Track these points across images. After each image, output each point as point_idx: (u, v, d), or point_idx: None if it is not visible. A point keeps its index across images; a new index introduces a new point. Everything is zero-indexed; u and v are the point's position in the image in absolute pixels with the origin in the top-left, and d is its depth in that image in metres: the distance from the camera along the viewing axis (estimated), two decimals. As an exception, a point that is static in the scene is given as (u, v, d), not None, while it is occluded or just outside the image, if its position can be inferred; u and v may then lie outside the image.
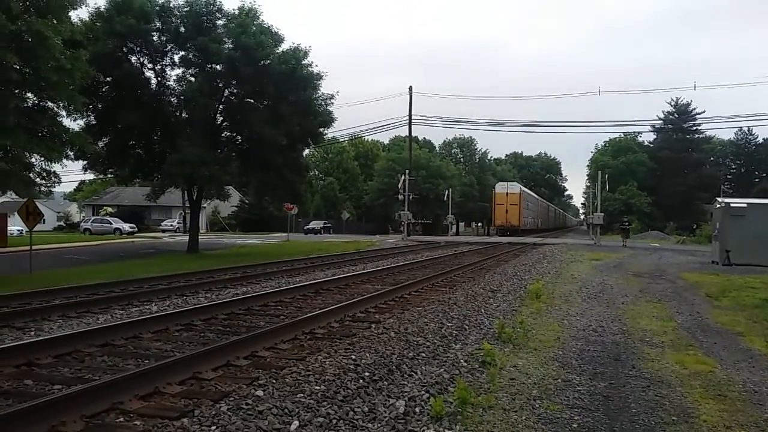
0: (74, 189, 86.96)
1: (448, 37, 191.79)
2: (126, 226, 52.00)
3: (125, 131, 25.92)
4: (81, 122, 23.99)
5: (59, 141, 18.90)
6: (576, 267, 21.50)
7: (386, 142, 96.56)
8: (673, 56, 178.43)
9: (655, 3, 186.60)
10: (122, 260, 23.26)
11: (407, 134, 56.28)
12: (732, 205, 24.57)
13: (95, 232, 50.07)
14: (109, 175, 31.60)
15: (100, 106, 25.28)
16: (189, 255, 26.51)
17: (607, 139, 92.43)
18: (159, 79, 26.67)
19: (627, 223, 43.56)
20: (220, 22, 26.20)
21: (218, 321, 9.51)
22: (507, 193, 57.03)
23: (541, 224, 71.70)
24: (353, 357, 6.67)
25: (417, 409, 5.35)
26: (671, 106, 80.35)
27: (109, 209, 63.04)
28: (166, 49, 26.19)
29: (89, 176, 49.79)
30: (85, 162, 25.58)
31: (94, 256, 25.27)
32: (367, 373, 6.13)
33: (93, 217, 58.42)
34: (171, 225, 59.99)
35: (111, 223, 52.89)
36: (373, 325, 8.87)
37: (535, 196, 75.49)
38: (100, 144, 25.62)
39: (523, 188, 63.89)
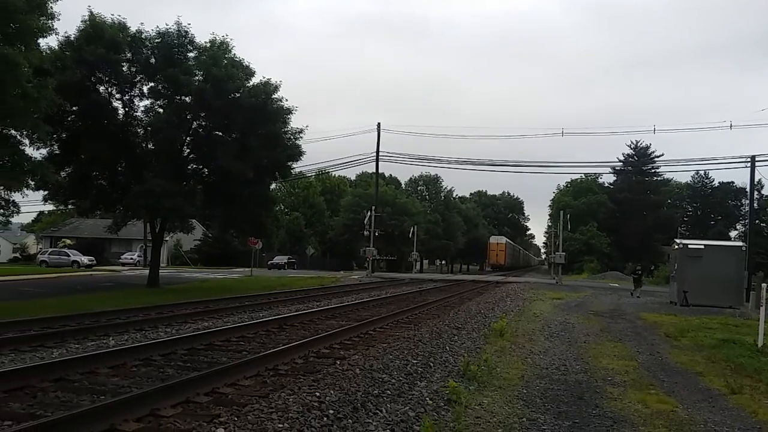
0: (32, 220, 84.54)
1: (414, 75, 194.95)
2: (84, 259, 50.62)
3: (89, 161, 25.45)
4: (44, 151, 23.51)
5: (20, 170, 18.49)
6: (538, 306, 21.67)
7: (353, 178, 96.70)
8: (633, 100, 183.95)
9: (609, 51, 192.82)
10: (79, 293, 22.66)
11: (374, 170, 56.69)
12: (690, 246, 25.12)
13: (52, 265, 48.62)
14: (70, 207, 30.89)
15: (64, 135, 24.76)
16: (149, 289, 25.96)
17: (569, 180, 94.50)
18: (126, 109, 26.39)
19: (639, 271, 34.35)
20: (191, 54, 26.18)
21: (178, 356, 9.30)
22: (497, 243, 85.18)
23: (514, 263, 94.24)
24: (317, 394, 6.57)
25: (381, 448, 5.27)
26: (631, 148, 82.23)
27: (68, 241, 61.30)
28: (136, 80, 25.97)
29: (49, 207, 48.47)
30: (45, 192, 25.01)
31: (50, 288, 24.56)
32: (331, 411, 6.03)
33: (51, 249, 56.69)
34: (131, 258, 58.59)
35: (69, 256, 51.43)
36: (338, 362, 8.77)
37: (513, 243, 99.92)
38: (63, 174, 25.12)
39: (508, 239, 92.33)
